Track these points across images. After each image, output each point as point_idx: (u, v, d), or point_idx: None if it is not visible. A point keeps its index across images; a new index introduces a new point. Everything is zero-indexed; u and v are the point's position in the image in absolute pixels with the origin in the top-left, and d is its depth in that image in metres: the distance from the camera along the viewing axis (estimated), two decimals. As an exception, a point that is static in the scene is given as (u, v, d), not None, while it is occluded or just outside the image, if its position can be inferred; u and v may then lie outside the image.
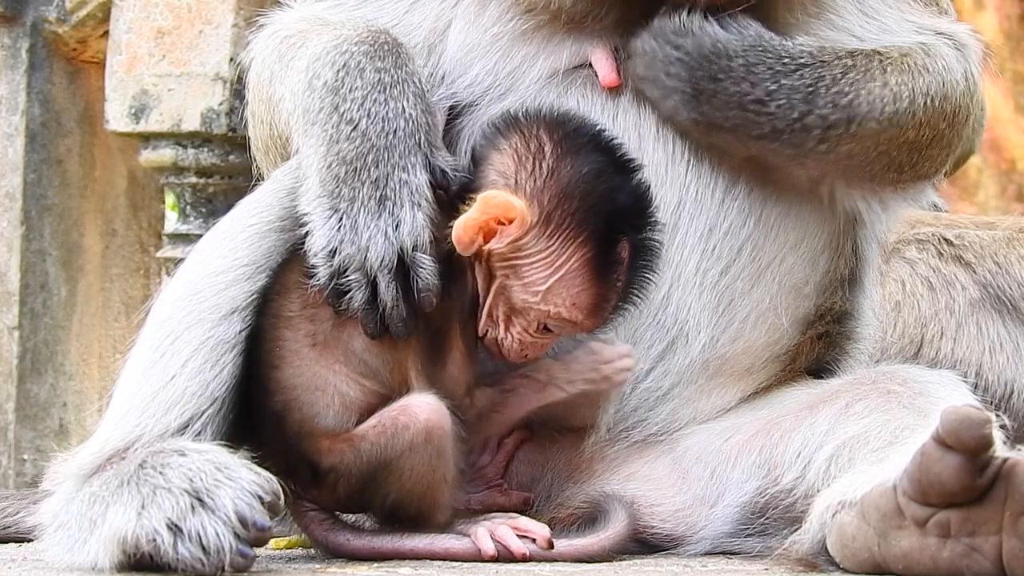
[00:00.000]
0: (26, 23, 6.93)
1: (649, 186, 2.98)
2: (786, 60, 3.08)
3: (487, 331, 2.94)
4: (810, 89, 3.07)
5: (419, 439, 2.81)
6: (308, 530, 2.95)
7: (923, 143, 3.20)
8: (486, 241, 2.87)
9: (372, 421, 2.84)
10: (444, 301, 2.91)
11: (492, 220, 2.85)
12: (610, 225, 2.90)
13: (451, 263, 2.92)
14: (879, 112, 3.11)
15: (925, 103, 3.15)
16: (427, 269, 2.86)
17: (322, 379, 2.87)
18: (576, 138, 2.94)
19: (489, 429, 3.08)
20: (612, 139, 3.01)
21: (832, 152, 3.10)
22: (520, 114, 2.99)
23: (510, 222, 2.85)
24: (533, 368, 3.04)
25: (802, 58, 3.09)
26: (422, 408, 2.82)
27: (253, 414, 2.96)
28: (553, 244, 2.88)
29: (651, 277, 2.98)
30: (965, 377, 3.43)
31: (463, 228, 2.84)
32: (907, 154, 3.20)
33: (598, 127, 3.02)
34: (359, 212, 2.88)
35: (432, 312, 2.89)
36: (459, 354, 2.96)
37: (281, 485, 2.82)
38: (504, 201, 2.85)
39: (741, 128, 3.08)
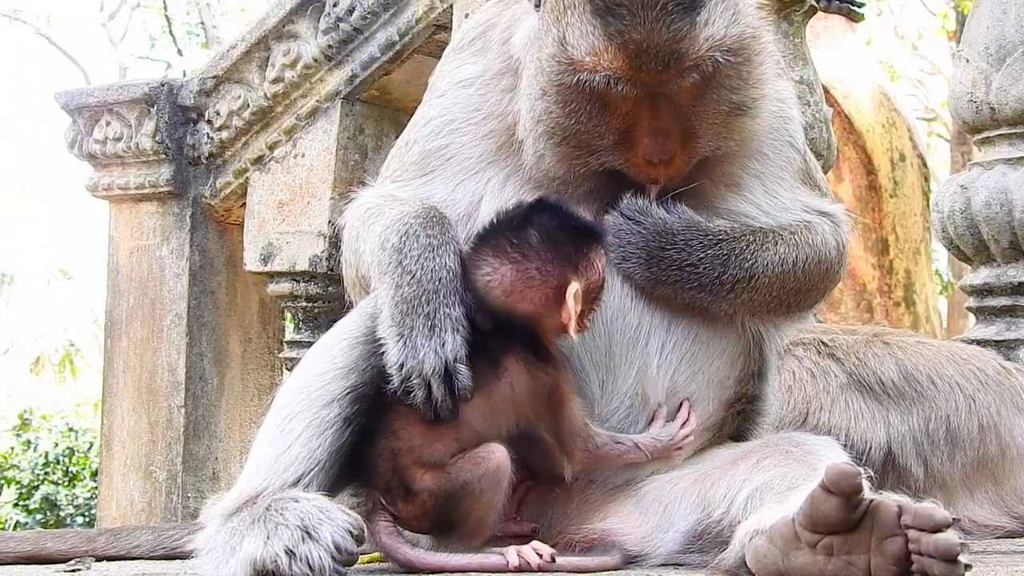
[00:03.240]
0: (189, 198, 7.00)
1: (541, 197, 3.01)
2: (710, 237, 3.07)
3: (583, 328, 2.94)
4: (725, 257, 3.06)
5: (491, 470, 2.80)
6: (377, 536, 2.88)
7: (803, 290, 3.19)
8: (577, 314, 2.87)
9: (461, 456, 2.84)
10: (540, 374, 2.91)
11: (575, 308, 2.85)
12: (579, 230, 2.92)
13: (533, 350, 2.93)
14: (770, 273, 3.10)
15: (804, 266, 3.15)
16: (464, 375, 2.84)
17: (437, 438, 2.86)
18: (520, 234, 2.92)
19: (591, 461, 3.04)
20: (531, 203, 3.00)
21: (739, 298, 3.09)
22: (485, 258, 2.96)
23: (577, 295, 2.85)
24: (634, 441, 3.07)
25: (720, 236, 3.08)
26: (497, 451, 2.83)
27: (364, 456, 2.92)
28: (588, 271, 2.89)
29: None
30: (838, 439, 3.40)
31: (575, 328, 2.87)
32: (793, 296, 3.18)
33: (518, 207, 3.02)
34: (417, 337, 2.86)
35: (539, 385, 2.91)
36: (571, 404, 2.95)
37: (365, 502, 2.88)
38: (575, 292, 2.85)
39: (679, 283, 3.06)
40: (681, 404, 3.11)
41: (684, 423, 3.10)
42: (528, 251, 2.89)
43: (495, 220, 3.01)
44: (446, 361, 2.83)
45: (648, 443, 3.06)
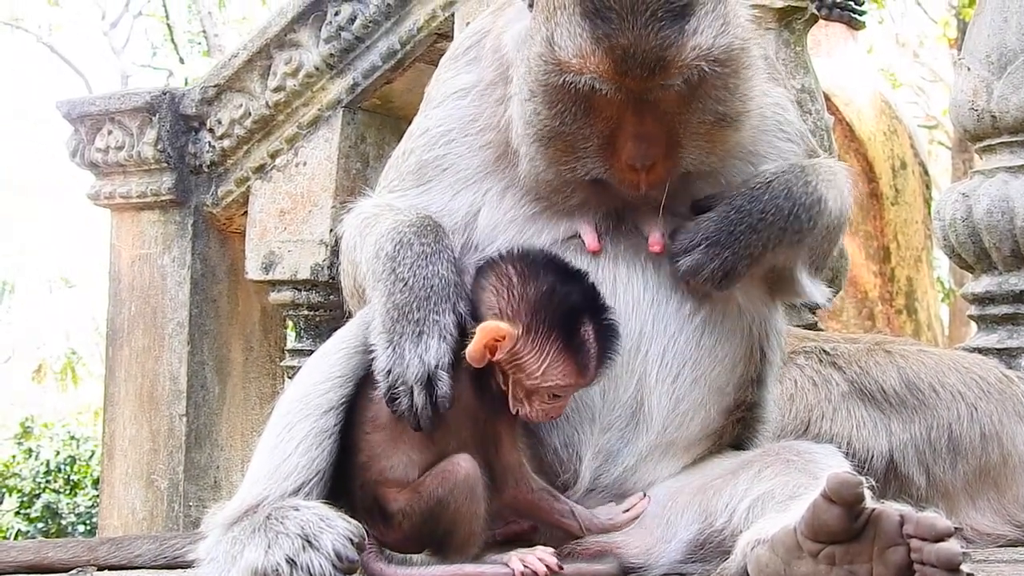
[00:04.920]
0: (191, 206, 7.00)
1: (595, 285, 2.94)
2: (756, 187, 3.05)
3: (517, 409, 2.87)
4: (784, 191, 3.04)
5: (459, 480, 2.77)
6: (363, 561, 2.83)
7: (833, 233, 3.19)
8: (492, 355, 2.82)
9: (428, 473, 2.81)
10: (485, 400, 2.88)
11: (490, 341, 2.80)
12: (571, 319, 2.84)
13: (483, 374, 2.87)
14: (832, 194, 3.10)
15: (843, 191, 3.16)
16: (444, 383, 2.83)
17: (394, 449, 2.86)
18: (533, 265, 2.90)
19: (520, 503, 2.98)
20: (560, 259, 2.97)
21: (815, 227, 3.07)
22: (492, 258, 2.96)
23: (503, 339, 2.80)
24: (571, 507, 3.02)
25: (763, 179, 3.06)
26: (462, 460, 2.80)
27: (345, 477, 2.92)
28: (537, 344, 2.82)
29: (617, 342, 2.91)
30: (840, 448, 3.39)
31: (471, 352, 2.81)
32: (823, 241, 3.17)
33: (548, 253, 2.99)
34: (405, 343, 2.86)
35: (478, 409, 2.88)
36: (508, 441, 2.92)
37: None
38: (494, 327, 2.80)
39: (769, 240, 3.02)
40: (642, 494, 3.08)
41: (629, 510, 3.06)
42: (512, 279, 2.89)
43: (545, 251, 3.00)
44: (429, 368, 2.83)
45: (585, 515, 3.03)
